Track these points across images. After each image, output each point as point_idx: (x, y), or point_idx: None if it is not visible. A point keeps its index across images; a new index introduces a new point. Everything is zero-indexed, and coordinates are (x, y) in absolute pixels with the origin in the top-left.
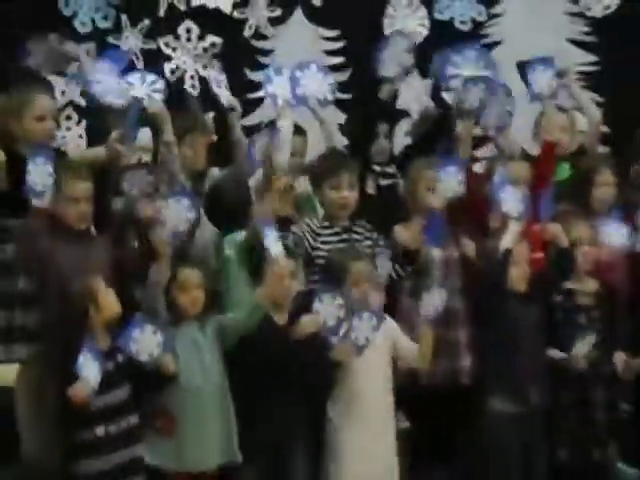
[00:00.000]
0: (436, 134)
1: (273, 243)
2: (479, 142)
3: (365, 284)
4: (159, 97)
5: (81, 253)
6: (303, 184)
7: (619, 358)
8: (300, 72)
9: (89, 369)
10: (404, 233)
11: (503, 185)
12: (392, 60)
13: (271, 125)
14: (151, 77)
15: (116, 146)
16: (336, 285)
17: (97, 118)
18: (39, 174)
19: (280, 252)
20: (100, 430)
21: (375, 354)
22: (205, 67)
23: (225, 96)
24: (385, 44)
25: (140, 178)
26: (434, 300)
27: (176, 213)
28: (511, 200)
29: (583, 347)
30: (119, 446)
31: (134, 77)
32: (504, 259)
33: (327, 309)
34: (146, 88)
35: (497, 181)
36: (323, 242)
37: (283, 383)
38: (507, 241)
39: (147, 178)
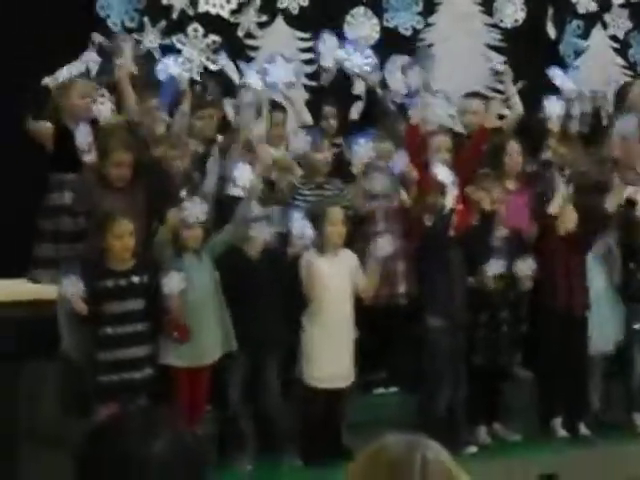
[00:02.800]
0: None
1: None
2: None
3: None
4: (187, 75)
5: (119, 202)
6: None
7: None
8: (268, 64)
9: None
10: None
11: (435, 161)
12: (329, 54)
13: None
14: (185, 61)
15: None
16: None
17: None
18: (83, 139)
19: None
20: (109, 329)
21: (339, 278)
22: (208, 59)
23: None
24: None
25: None
26: (384, 244)
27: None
28: (443, 172)
29: (493, 269)
30: (127, 344)
31: (174, 58)
32: (447, 215)
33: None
34: (179, 66)
35: (431, 157)
36: (302, 194)
37: (264, 297)
38: (449, 202)
39: None
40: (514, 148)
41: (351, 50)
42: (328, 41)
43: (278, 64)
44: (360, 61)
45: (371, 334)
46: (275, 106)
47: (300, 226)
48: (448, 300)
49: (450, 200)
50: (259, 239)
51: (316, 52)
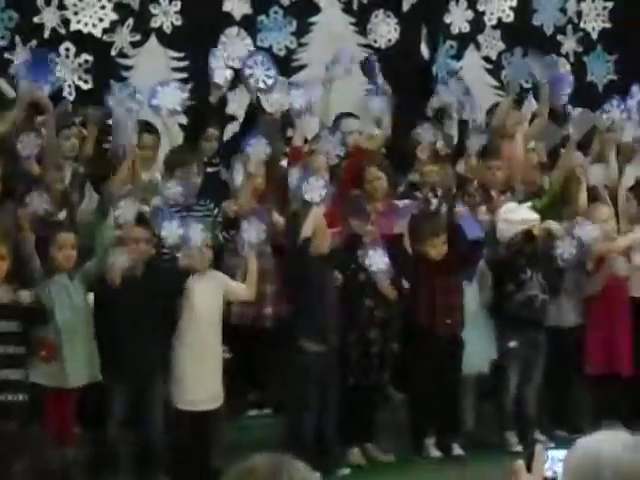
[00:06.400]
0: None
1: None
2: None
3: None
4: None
5: None
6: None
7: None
8: (160, 87)
9: None
10: (231, 207)
11: (306, 177)
12: (221, 71)
13: None
14: None
15: None
16: None
17: None
18: None
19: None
20: None
21: (208, 299)
22: (79, 78)
23: None
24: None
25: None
26: (250, 233)
27: None
28: (313, 189)
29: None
30: None
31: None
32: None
33: None
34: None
35: (300, 173)
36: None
37: (138, 320)
38: (307, 227)
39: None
40: (373, 174)
41: (259, 61)
42: (219, 58)
43: (169, 89)
44: (260, 74)
45: (243, 355)
46: (148, 129)
47: (195, 237)
48: (322, 323)
49: (311, 220)
50: (116, 264)
51: (209, 68)
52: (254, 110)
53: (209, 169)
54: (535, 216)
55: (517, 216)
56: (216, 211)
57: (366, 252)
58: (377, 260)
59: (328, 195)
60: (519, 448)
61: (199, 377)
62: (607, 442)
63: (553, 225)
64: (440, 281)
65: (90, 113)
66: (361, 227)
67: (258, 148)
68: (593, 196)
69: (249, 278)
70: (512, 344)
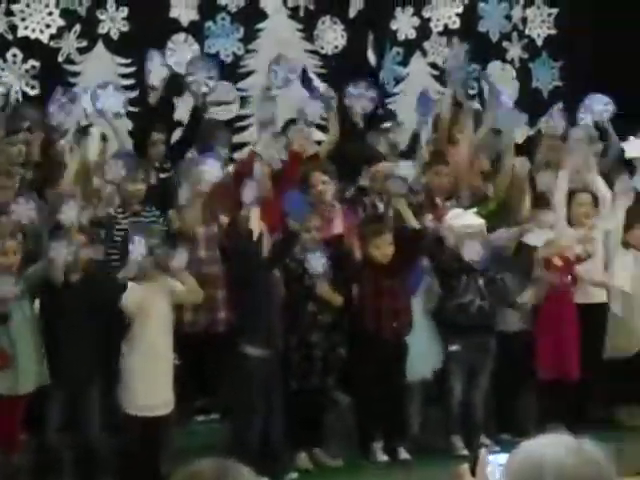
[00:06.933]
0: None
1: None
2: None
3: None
4: None
5: None
6: None
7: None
8: (101, 90)
9: None
10: (176, 216)
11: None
12: (157, 72)
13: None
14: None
15: None
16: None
17: None
18: None
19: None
20: None
21: (158, 304)
22: (26, 84)
23: None
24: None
25: None
26: (181, 258)
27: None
28: (248, 192)
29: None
30: None
31: None
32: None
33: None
34: None
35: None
36: (118, 222)
37: (74, 325)
38: (254, 225)
39: None
40: (317, 179)
41: (199, 66)
42: (156, 59)
43: (109, 92)
44: (201, 79)
45: (193, 361)
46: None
47: (139, 251)
48: (267, 326)
49: (255, 224)
50: (57, 260)
51: (146, 70)
52: (199, 115)
53: (161, 175)
54: (480, 221)
55: (463, 222)
56: (162, 219)
57: (305, 256)
58: (315, 263)
59: (260, 198)
60: (465, 452)
61: (151, 382)
62: (550, 446)
63: (456, 229)
64: (386, 284)
65: (34, 118)
66: (296, 226)
67: (213, 171)
68: (543, 202)
69: (185, 283)
70: (453, 348)
